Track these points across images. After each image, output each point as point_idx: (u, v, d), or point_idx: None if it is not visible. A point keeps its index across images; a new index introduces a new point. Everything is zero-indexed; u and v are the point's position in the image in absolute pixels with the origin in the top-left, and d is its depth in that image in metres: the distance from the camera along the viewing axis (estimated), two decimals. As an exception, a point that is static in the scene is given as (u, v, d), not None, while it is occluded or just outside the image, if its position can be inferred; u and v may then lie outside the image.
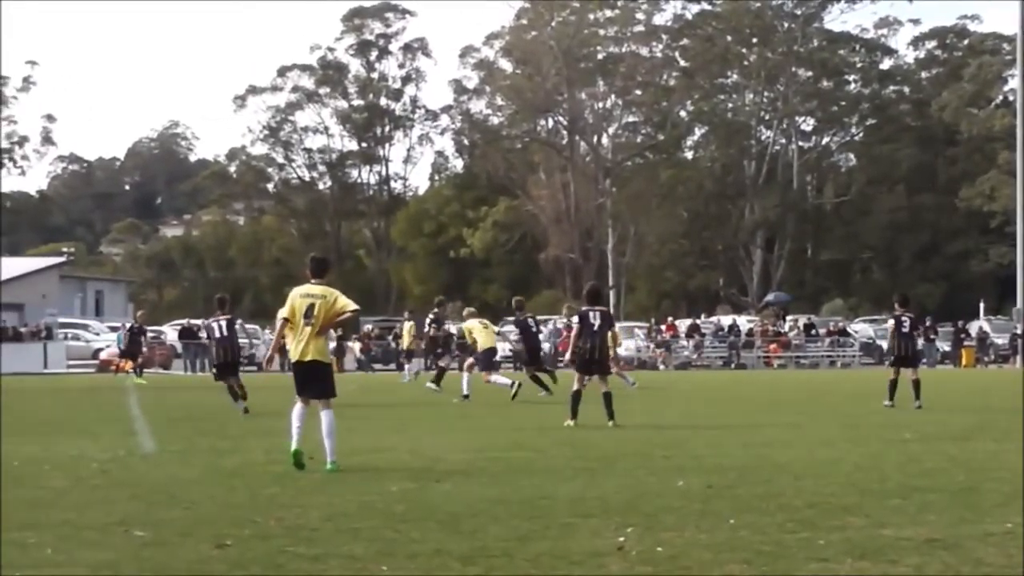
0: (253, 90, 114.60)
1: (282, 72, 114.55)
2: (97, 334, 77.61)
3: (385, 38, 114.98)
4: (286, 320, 16.07)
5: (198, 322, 70.79)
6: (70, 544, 9.94)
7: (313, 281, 16.05)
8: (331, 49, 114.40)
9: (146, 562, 9.18)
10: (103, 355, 65.72)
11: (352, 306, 15.84)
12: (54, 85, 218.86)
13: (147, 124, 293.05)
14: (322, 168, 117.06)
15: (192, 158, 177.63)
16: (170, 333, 71.96)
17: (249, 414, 25.54)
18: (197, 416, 26.03)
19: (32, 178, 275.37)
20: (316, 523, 10.96)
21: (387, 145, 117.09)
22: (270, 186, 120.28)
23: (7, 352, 60.33)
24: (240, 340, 30.78)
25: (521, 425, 22.59)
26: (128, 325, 48.83)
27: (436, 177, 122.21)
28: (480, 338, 32.63)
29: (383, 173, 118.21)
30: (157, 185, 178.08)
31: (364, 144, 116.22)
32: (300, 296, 15.88)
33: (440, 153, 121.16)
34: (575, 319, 23.47)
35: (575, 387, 22.17)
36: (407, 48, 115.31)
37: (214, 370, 29.01)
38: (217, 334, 28.02)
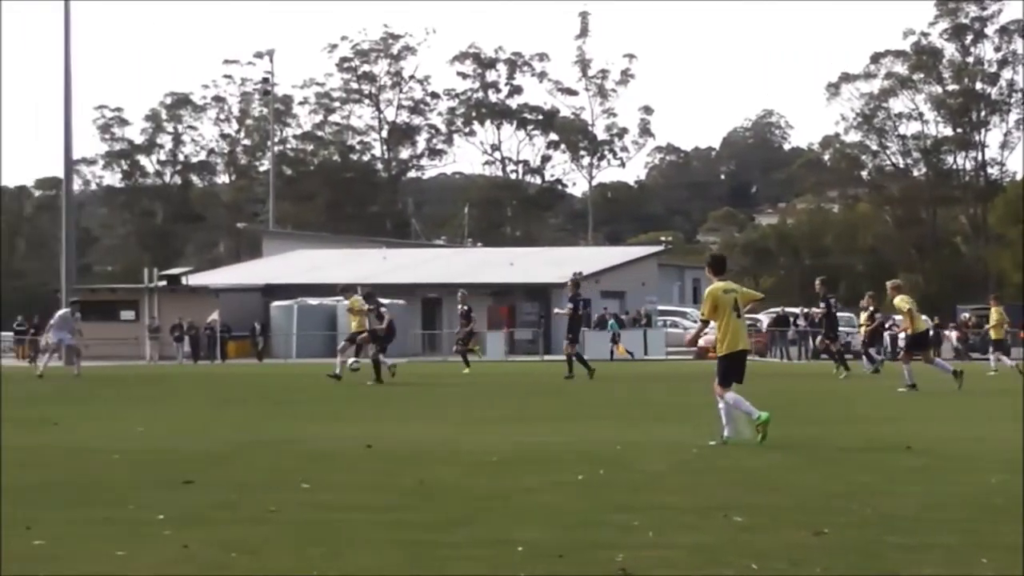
0: (846, 77, 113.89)
1: (875, 59, 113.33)
2: (695, 322, 78.90)
3: (980, 21, 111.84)
4: (705, 322, 18.03)
5: (795, 310, 71.01)
6: (671, 527, 10.19)
7: (719, 278, 17.40)
8: (925, 34, 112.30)
9: (743, 546, 9.33)
10: (701, 342, 66.72)
11: (758, 294, 18.43)
12: (652, 78, 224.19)
13: (741, 114, 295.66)
14: (916, 155, 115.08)
15: (786, 147, 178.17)
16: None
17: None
18: (794, 403, 26.09)
19: (631, 169, 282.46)
20: (912, 512, 10.84)
21: (983, 130, 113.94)
22: (864, 173, 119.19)
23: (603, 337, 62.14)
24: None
25: None
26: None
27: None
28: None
29: (979, 159, 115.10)
30: (752, 174, 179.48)
31: (959, 130, 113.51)
32: (722, 292, 17.14)
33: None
34: None
35: None
36: (1003, 31, 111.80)
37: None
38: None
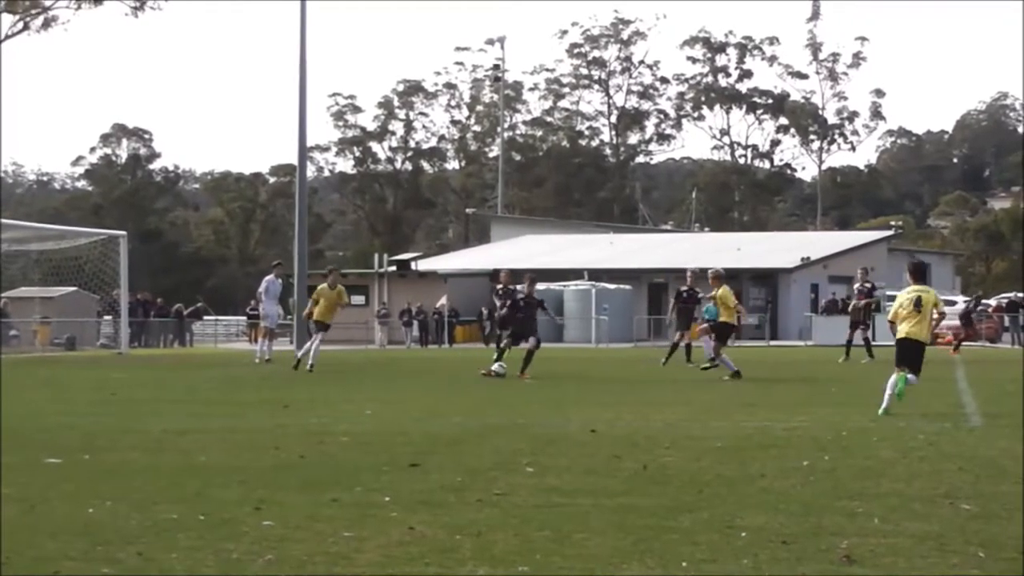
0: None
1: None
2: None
3: None
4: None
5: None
6: (897, 514, 10.09)
7: (914, 283, 20.68)
8: None
9: (971, 535, 9.19)
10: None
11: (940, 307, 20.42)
12: (884, 60, 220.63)
13: (976, 96, 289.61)
14: None
15: (1021, 129, 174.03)
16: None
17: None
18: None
19: (862, 153, 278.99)
20: None
21: None
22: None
23: (834, 323, 61.24)
24: None
25: None
26: None
27: None
28: None
29: None
30: (986, 157, 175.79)
31: None
32: (916, 290, 20.27)
33: None
34: None
35: None
36: None
37: None
38: None
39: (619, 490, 11.51)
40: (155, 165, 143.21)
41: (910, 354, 19.96)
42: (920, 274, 21.39)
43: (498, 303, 32.06)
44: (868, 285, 41.02)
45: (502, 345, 30.86)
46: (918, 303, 19.93)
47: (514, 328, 30.74)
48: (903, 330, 20.06)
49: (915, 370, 19.82)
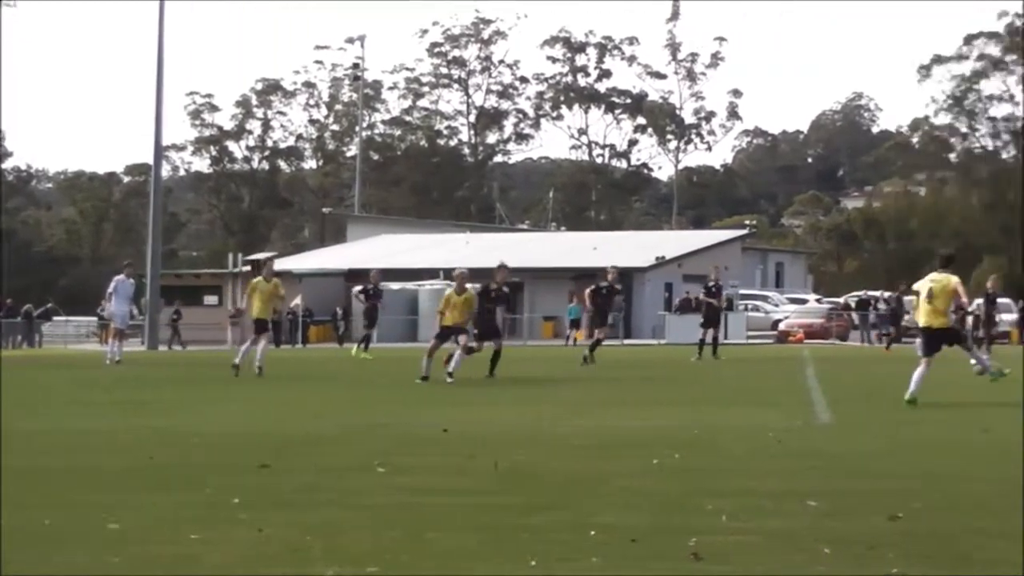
0: (938, 59, 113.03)
1: (968, 40, 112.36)
2: (776, 305, 78.67)
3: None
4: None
5: (875, 293, 70.60)
6: (747, 512, 10.16)
7: (939, 270, 21.41)
8: (1019, 15, 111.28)
9: (819, 532, 9.28)
10: (782, 326, 66.67)
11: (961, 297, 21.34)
12: (741, 61, 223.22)
13: (831, 97, 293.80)
14: (1006, 137, 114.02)
15: (875, 130, 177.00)
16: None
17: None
18: (872, 388, 25.95)
19: (718, 152, 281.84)
20: (990, 498, 10.74)
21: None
22: (952, 156, 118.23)
23: (687, 322, 61.80)
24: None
25: None
26: None
27: None
28: None
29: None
30: (840, 157, 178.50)
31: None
32: (928, 280, 21.27)
33: None
34: None
35: None
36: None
37: None
38: None
39: (472, 489, 11.50)
40: (7, 164, 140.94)
41: (931, 342, 21.28)
42: (945, 263, 21.93)
43: (363, 299, 31.82)
44: (713, 284, 41.09)
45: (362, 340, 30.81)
46: (930, 293, 21.03)
47: (480, 328, 29.61)
48: (921, 320, 21.41)
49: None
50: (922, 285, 21.35)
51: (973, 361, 23.28)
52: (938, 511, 10.16)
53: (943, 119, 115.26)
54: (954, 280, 21.14)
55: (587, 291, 37.64)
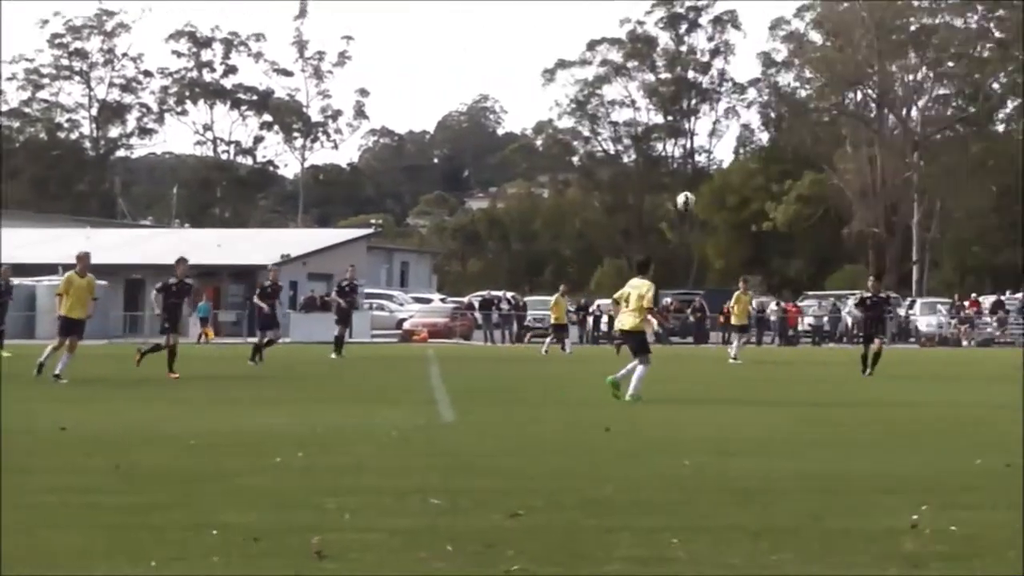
0: (562, 64, 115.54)
1: (591, 46, 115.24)
2: (401, 304, 79.23)
3: (695, 11, 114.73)
4: (616, 302, 22.93)
5: (499, 293, 71.86)
6: (369, 510, 10.16)
7: (638, 276, 22.55)
8: (640, 22, 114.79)
9: (440, 529, 9.34)
10: (406, 325, 67.17)
11: (647, 301, 22.06)
12: (368, 60, 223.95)
13: (457, 98, 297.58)
14: (627, 141, 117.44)
15: (500, 131, 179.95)
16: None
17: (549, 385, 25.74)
18: (496, 387, 26.35)
19: (344, 151, 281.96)
20: (609, 495, 11.00)
21: (693, 118, 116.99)
22: (575, 159, 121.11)
23: (313, 320, 61.83)
24: None
25: (820, 400, 22.41)
26: None
27: (741, 150, 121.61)
28: None
29: (688, 146, 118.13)
30: (465, 158, 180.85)
31: (670, 117, 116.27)
32: (629, 286, 22.34)
33: (746, 126, 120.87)
34: None
35: None
36: (717, 21, 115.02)
37: None
38: None
39: (90, 488, 11.20)
40: None
41: (630, 343, 22.69)
42: (641, 268, 23.29)
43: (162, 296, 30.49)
44: (347, 283, 41.26)
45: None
46: (628, 298, 22.23)
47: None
48: (624, 324, 22.53)
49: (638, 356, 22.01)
50: (623, 292, 22.40)
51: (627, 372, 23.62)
52: (559, 509, 10.32)
53: (566, 123, 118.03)
54: (646, 285, 22.16)
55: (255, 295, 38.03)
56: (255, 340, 35.91)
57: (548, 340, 47.29)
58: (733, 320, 42.53)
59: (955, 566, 8.28)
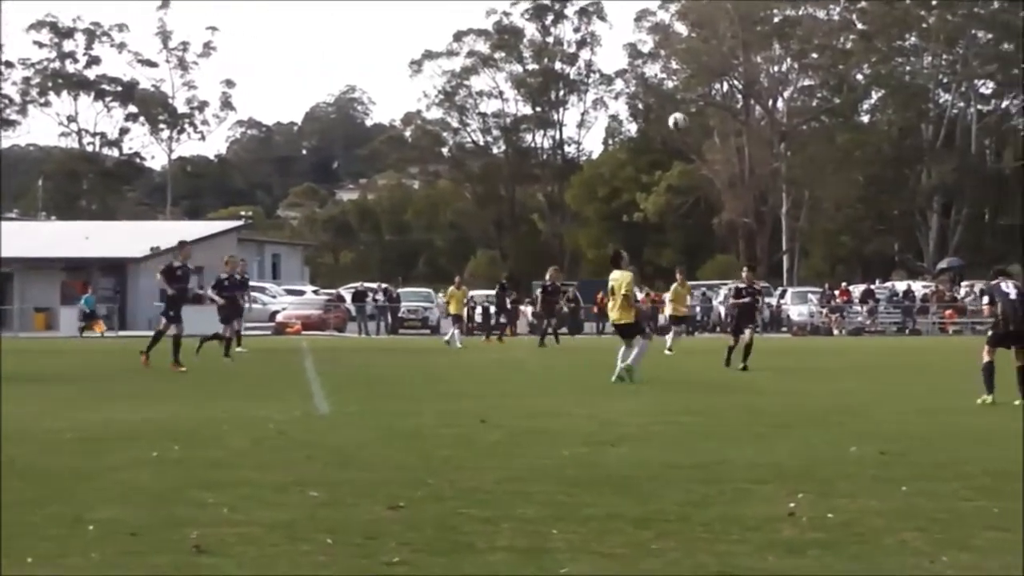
0: (429, 55, 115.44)
1: (458, 37, 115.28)
2: (274, 297, 78.73)
3: (561, 2, 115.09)
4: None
5: (372, 285, 71.66)
6: (248, 503, 10.12)
7: (614, 269, 23.91)
8: (507, 14, 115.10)
9: (320, 522, 9.32)
10: (279, 317, 66.75)
11: (625, 290, 23.48)
12: (234, 51, 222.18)
13: (325, 89, 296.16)
14: (497, 132, 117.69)
15: (369, 123, 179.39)
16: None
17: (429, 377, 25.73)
18: (372, 379, 26.30)
19: (212, 143, 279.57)
20: (489, 486, 11.03)
21: (561, 109, 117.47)
22: (445, 150, 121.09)
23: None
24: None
25: (696, 390, 22.60)
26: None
27: (610, 141, 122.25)
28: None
29: (557, 137, 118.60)
30: (334, 150, 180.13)
31: (539, 108, 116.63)
32: (611, 280, 23.83)
33: (614, 117, 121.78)
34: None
35: (986, 359, 19.81)
36: (583, 12, 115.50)
37: None
38: None
39: (-39, 487, 11.03)
40: None
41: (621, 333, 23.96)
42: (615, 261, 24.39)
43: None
44: (239, 277, 40.03)
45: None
46: (611, 290, 23.70)
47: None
48: (611, 315, 24.09)
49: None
50: (609, 288, 23.87)
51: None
52: (439, 500, 10.34)
53: (435, 113, 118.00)
54: (623, 276, 23.56)
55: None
56: (222, 334, 34.84)
57: (453, 332, 46.05)
58: (670, 311, 41.69)
59: (833, 553, 8.40)
